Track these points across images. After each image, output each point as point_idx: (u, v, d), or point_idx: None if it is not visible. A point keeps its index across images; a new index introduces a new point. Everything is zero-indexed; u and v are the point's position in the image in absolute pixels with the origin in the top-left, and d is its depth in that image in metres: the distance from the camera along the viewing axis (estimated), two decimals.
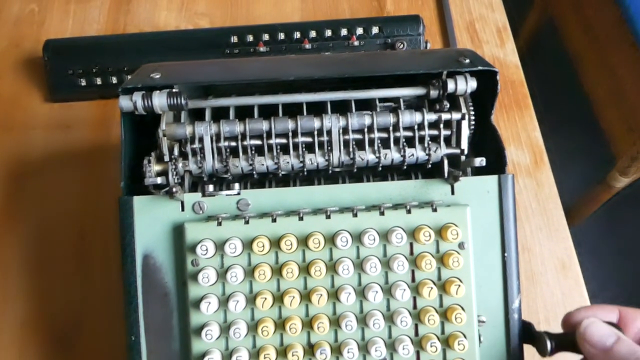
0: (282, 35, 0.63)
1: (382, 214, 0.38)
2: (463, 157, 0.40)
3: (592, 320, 0.36)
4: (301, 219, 0.38)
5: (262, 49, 0.63)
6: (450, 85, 0.39)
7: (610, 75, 1.10)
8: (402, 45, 0.62)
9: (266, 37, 0.63)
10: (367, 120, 0.40)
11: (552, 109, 1.48)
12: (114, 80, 0.63)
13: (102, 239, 0.57)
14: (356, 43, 0.63)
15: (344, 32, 0.63)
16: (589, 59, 1.17)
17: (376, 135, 0.40)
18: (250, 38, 0.63)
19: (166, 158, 0.39)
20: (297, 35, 0.63)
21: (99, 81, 0.63)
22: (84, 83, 0.63)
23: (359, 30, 0.63)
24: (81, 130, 0.63)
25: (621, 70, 1.07)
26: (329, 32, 0.63)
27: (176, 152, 0.40)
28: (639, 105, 1.03)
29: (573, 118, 1.49)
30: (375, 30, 0.63)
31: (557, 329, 0.54)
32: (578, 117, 1.43)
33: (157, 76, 0.40)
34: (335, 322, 0.38)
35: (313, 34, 0.63)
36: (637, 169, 1.10)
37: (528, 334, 0.40)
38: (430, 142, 0.40)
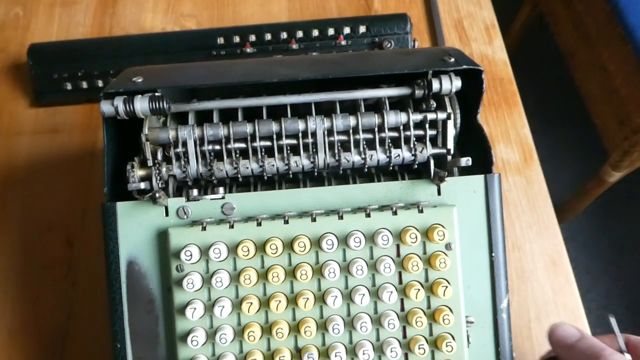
0: (268, 36, 0.62)
1: (368, 215, 0.38)
2: (449, 157, 0.40)
3: (560, 323, 0.38)
4: (286, 222, 0.38)
5: (248, 50, 0.62)
6: (435, 85, 0.39)
7: (602, 70, 1.10)
8: (389, 44, 0.62)
9: (253, 38, 0.62)
10: (352, 122, 0.39)
11: (544, 105, 1.49)
12: (100, 83, 0.62)
13: (90, 245, 0.57)
14: (343, 43, 0.63)
15: (331, 31, 0.63)
16: (580, 55, 1.17)
17: (361, 136, 0.40)
18: (236, 39, 0.62)
19: (149, 163, 0.39)
20: (284, 35, 0.63)
21: (84, 85, 0.62)
22: (69, 87, 0.62)
23: (346, 30, 0.63)
24: (68, 134, 0.62)
25: (612, 65, 1.07)
26: (316, 32, 0.63)
27: (160, 156, 0.40)
28: (630, 100, 1.03)
29: (565, 113, 1.49)
30: (362, 29, 0.63)
31: (547, 326, 0.53)
32: (570, 112, 1.43)
33: (139, 80, 0.40)
34: (322, 325, 0.38)
35: (300, 34, 0.63)
36: (629, 163, 1.11)
37: None
38: (416, 143, 0.40)
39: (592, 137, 1.16)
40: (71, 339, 0.53)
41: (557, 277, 0.54)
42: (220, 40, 0.62)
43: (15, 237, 0.57)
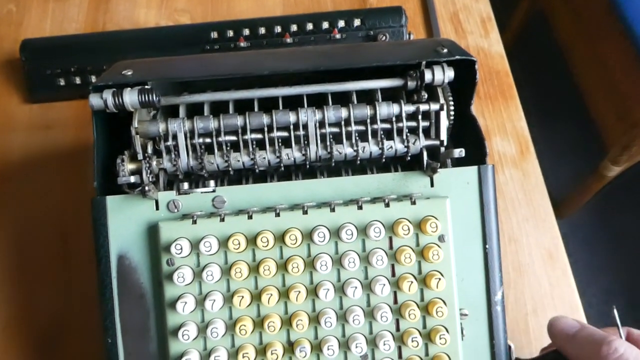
0: (262, 30, 0.62)
1: (360, 208, 0.37)
2: (442, 149, 0.40)
3: (558, 316, 0.38)
4: (278, 215, 0.37)
5: (242, 44, 0.62)
6: (428, 76, 0.39)
7: (600, 64, 1.09)
8: (384, 37, 0.62)
9: (247, 32, 0.62)
10: (343, 113, 0.39)
11: (543, 100, 1.48)
12: (94, 79, 0.62)
13: (85, 240, 0.56)
14: (338, 36, 0.62)
15: (325, 25, 0.62)
16: (579, 49, 1.16)
17: (353, 128, 0.39)
18: (230, 33, 0.62)
19: (140, 156, 0.39)
20: (278, 29, 0.62)
21: (78, 80, 0.62)
22: (63, 83, 0.62)
23: (341, 23, 0.62)
24: (61, 130, 0.62)
25: (611, 60, 1.07)
26: (310, 26, 0.62)
27: (150, 150, 0.39)
28: (629, 94, 1.03)
29: (564, 108, 1.49)
30: (357, 22, 0.62)
31: (544, 320, 0.53)
32: (569, 107, 1.42)
33: (129, 73, 0.39)
34: (315, 319, 0.37)
35: (294, 27, 0.62)
36: (628, 158, 1.10)
37: None
38: (408, 134, 0.40)
39: (591, 132, 1.16)
40: (66, 335, 0.52)
41: (554, 271, 0.54)
42: (214, 35, 0.62)
43: (10, 233, 0.57)
